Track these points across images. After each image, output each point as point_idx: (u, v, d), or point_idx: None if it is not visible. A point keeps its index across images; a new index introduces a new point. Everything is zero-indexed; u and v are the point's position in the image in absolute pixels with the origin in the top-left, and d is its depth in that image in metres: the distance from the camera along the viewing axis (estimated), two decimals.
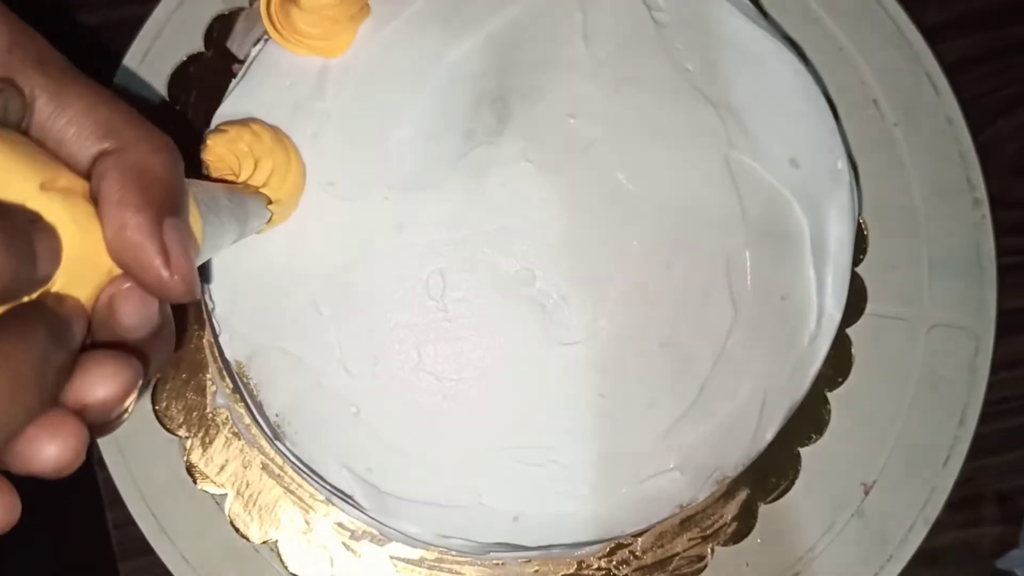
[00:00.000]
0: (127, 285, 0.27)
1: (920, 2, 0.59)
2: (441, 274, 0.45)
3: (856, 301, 0.54)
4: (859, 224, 0.54)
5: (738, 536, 0.52)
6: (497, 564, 0.51)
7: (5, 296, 0.24)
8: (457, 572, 0.51)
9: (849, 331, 0.54)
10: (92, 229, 0.26)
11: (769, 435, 0.47)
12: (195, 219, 0.30)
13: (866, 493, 0.55)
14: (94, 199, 0.26)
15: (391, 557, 0.51)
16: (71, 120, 0.27)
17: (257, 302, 0.45)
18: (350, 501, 0.45)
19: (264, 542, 0.51)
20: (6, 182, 0.25)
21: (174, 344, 0.30)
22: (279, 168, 0.43)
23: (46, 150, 0.27)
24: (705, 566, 0.52)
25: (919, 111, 0.57)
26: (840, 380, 0.54)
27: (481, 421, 0.45)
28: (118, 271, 0.27)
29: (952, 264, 0.56)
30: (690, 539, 0.52)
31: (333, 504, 0.50)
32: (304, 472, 0.46)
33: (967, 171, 0.57)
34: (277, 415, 0.44)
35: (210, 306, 0.45)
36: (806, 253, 0.47)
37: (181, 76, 0.53)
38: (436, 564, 0.51)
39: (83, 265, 0.26)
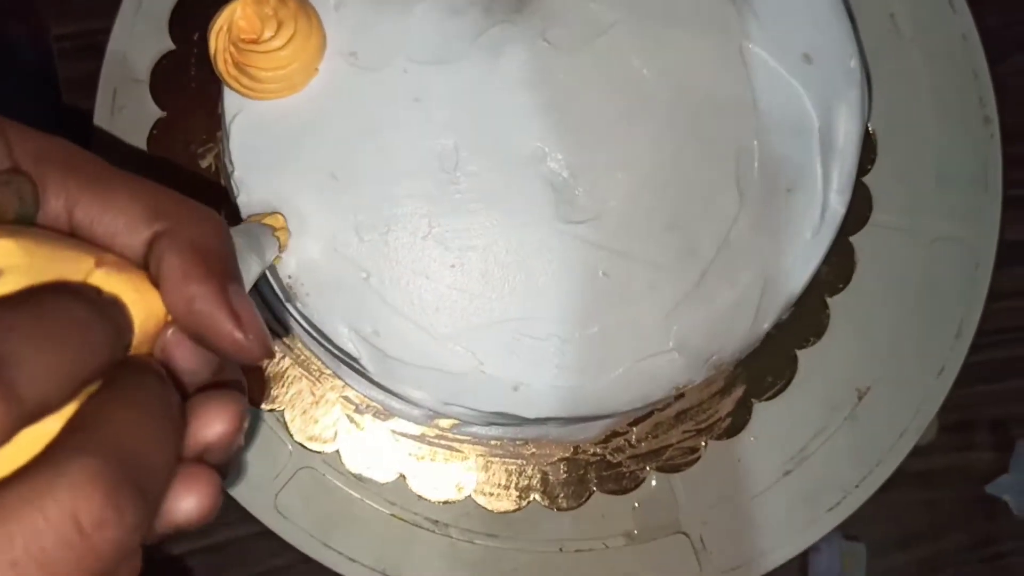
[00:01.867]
0: (170, 332, 0.27)
1: None
2: (455, 148, 0.46)
3: (862, 210, 0.55)
4: (869, 132, 0.55)
5: (732, 431, 0.54)
6: (495, 444, 0.53)
7: (111, 364, 0.25)
8: (456, 450, 0.53)
9: (853, 239, 0.55)
10: (149, 293, 0.27)
11: (767, 324, 0.48)
12: None
13: (859, 398, 0.56)
14: (153, 280, 0.27)
15: (392, 431, 0.52)
16: (120, 211, 0.27)
17: (275, 166, 0.46)
18: (356, 365, 0.47)
19: (271, 410, 0.52)
20: (63, 269, 0.25)
21: (260, 351, 0.28)
22: (301, 33, 0.44)
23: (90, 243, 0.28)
24: (698, 458, 0.53)
25: (934, 26, 0.57)
26: (841, 286, 0.55)
27: (486, 291, 0.46)
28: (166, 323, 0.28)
29: (958, 179, 0.57)
30: (685, 431, 0.54)
31: (339, 377, 0.52)
32: (313, 335, 0.47)
33: (979, 90, 0.57)
34: (290, 276, 0.46)
35: (229, 169, 0.46)
36: (814, 147, 0.47)
37: None
38: (435, 441, 0.52)
39: (147, 326, 0.27)
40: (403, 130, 0.46)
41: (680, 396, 0.54)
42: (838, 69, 0.48)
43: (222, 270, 0.28)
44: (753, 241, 0.47)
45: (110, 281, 0.26)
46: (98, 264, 0.26)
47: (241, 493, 0.53)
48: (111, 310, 0.26)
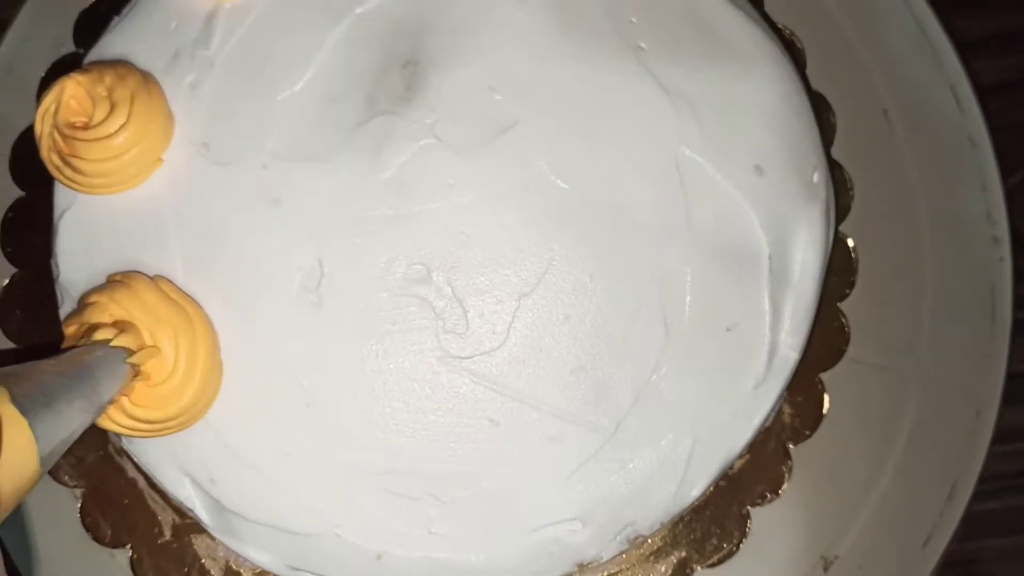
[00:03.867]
0: None
1: (964, 11, 0.51)
2: (319, 261, 0.38)
3: (836, 343, 0.46)
4: (849, 250, 0.46)
5: None
6: None
7: None
8: None
9: (824, 376, 0.46)
10: None
11: (695, 491, 0.39)
12: (16, 423, 0.26)
13: (825, 569, 0.47)
14: None
15: None
16: None
17: (106, 273, 0.38)
18: (191, 515, 0.39)
19: (115, 546, 0.45)
20: None
21: None
22: (139, 117, 0.37)
23: None
24: None
25: (937, 128, 0.48)
26: (807, 433, 0.46)
27: (347, 438, 0.38)
28: None
29: (959, 309, 0.47)
30: None
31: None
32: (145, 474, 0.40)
33: (988, 204, 0.48)
34: None
35: (55, 273, 0.39)
36: (762, 278, 0.39)
37: (88, 19, 0.48)
38: None
39: None
40: (258, 238, 0.38)
41: None
42: (797, 183, 0.40)
43: None
44: (681, 389, 0.39)
45: None
46: None
47: None
48: None
